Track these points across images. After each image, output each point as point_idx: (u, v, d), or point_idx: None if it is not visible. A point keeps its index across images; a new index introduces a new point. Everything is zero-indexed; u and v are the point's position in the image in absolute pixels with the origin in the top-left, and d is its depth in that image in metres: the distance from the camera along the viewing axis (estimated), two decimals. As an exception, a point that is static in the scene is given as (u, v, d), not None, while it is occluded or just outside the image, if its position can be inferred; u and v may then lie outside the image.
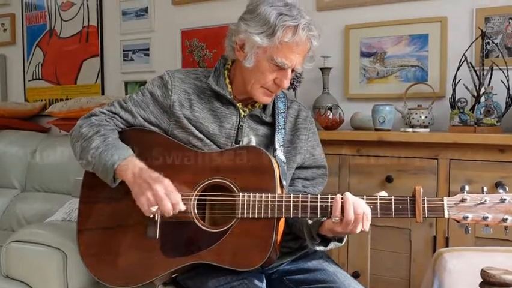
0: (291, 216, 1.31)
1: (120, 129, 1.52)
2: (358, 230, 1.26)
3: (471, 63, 2.07)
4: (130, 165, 1.36)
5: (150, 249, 1.38)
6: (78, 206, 1.51)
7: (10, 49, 3.78)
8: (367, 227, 1.26)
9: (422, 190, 1.24)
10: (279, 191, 1.33)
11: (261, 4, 1.38)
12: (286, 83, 1.42)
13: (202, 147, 1.46)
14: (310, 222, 1.35)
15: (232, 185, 1.35)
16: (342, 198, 1.25)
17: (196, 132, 1.47)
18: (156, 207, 1.31)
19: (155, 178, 1.32)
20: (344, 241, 1.38)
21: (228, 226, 1.33)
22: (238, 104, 1.50)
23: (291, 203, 1.30)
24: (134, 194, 1.35)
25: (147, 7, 3.12)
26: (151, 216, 1.35)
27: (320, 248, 1.38)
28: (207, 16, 2.90)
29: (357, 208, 1.24)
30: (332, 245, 1.37)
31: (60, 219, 2.19)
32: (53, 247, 1.86)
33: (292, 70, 1.42)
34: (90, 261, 1.46)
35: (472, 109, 2.04)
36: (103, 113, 1.54)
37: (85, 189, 1.52)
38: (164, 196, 1.30)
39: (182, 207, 1.33)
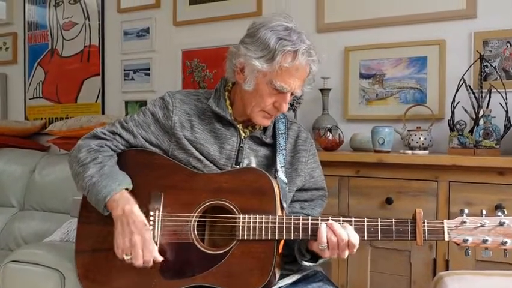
0: (292, 239, 1.31)
1: (120, 151, 1.53)
2: (345, 256, 1.28)
3: (469, 86, 2.09)
4: (120, 202, 1.37)
5: (149, 272, 1.37)
6: (77, 226, 1.51)
7: (11, 68, 3.80)
8: (354, 251, 1.28)
9: (422, 213, 1.25)
10: (279, 212, 1.33)
11: (261, 28, 1.40)
12: (285, 107, 1.43)
13: (202, 168, 1.46)
14: None
15: (232, 207, 1.35)
16: (327, 226, 1.27)
17: (196, 154, 1.47)
18: (129, 256, 1.34)
19: (139, 227, 1.33)
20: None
21: (228, 248, 1.32)
22: (238, 126, 1.51)
23: (292, 225, 1.30)
24: (116, 231, 1.36)
25: (148, 27, 3.16)
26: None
27: (310, 264, 1.39)
28: (208, 37, 2.93)
29: (341, 235, 1.25)
30: (321, 260, 1.38)
31: (59, 239, 2.17)
32: (50, 268, 1.84)
33: (292, 94, 1.43)
34: (88, 282, 1.45)
35: (471, 131, 2.05)
36: (104, 133, 1.54)
37: (84, 210, 1.51)
38: (139, 252, 1.32)
39: (151, 263, 1.34)
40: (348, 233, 1.26)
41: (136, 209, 1.36)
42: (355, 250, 1.27)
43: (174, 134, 1.49)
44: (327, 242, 1.26)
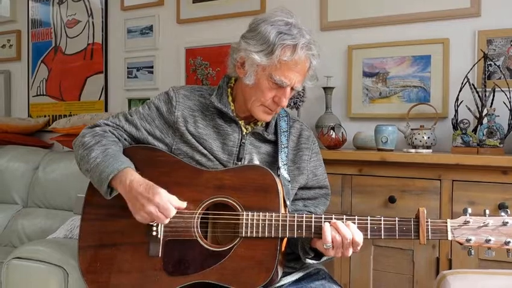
0: (295, 236, 1.31)
1: (123, 141, 1.54)
2: (349, 254, 1.28)
3: (473, 85, 2.09)
4: (123, 178, 1.36)
5: (152, 268, 1.38)
6: (80, 223, 1.51)
7: (15, 65, 3.81)
8: (358, 250, 1.28)
9: (425, 212, 1.25)
10: (282, 210, 1.33)
11: (262, 23, 1.41)
12: (285, 102, 1.43)
13: (206, 162, 1.47)
14: None
15: (236, 204, 1.35)
16: (331, 225, 1.27)
17: (200, 148, 1.48)
18: (154, 224, 1.36)
19: (145, 195, 1.31)
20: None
21: (232, 245, 1.32)
22: (240, 122, 1.51)
23: (295, 223, 1.30)
24: (130, 209, 1.36)
25: (152, 25, 3.16)
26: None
27: (313, 261, 1.39)
28: (211, 35, 2.93)
29: (345, 233, 1.26)
30: (324, 258, 1.38)
31: (62, 236, 2.18)
32: (54, 264, 1.85)
33: (292, 89, 1.44)
34: (91, 279, 1.46)
35: (475, 130, 2.05)
36: (108, 124, 1.55)
37: (87, 206, 1.52)
38: (159, 216, 1.31)
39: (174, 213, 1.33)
40: (352, 231, 1.26)
41: (136, 178, 1.35)
42: (359, 248, 1.28)
43: (177, 129, 1.50)
44: (332, 241, 1.26)
